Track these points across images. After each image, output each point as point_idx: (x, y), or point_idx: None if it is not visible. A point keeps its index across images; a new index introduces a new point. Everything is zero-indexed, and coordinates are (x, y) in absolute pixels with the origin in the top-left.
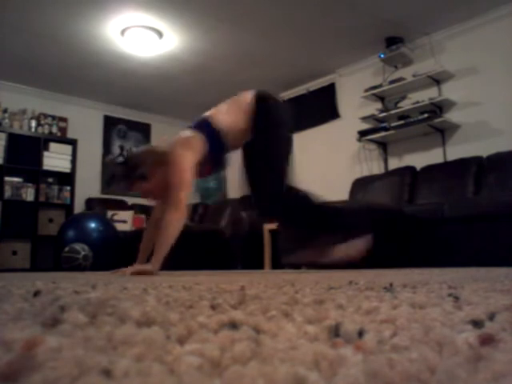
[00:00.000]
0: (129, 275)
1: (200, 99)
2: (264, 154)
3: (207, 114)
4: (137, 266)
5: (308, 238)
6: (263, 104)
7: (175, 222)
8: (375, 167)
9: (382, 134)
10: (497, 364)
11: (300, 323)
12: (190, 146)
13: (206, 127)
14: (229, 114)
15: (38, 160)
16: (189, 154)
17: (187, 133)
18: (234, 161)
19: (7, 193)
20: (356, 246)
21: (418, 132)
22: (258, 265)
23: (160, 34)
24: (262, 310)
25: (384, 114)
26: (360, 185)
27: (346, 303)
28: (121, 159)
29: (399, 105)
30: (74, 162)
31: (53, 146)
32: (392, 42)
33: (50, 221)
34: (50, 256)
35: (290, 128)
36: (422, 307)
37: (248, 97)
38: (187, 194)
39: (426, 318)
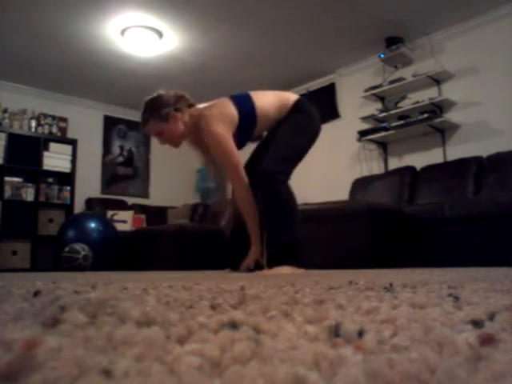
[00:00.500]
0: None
1: (200, 99)
2: (278, 136)
3: (251, 92)
4: (248, 262)
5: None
6: (301, 105)
7: (242, 195)
8: (375, 167)
9: (382, 133)
10: (497, 364)
11: (300, 323)
12: (228, 118)
13: (245, 101)
14: (269, 103)
15: (38, 160)
16: (227, 126)
17: (224, 101)
18: None
19: (7, 193)
20: (281, 271)
21: (418, 132)
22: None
23: (160, 34)
24: (262, 309)
25: (384, 114)
26: (360, 185)
27: (345, 303)
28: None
29: (399, 105)
30: (74, 161)
31: (53, 145)
32: (392, 41)
33: (50, 221)
34: (50, 256)
35: (312, 135)
36: (422, 307)
37: (291, 96)
38: (237, 161)
39: (426, 318)
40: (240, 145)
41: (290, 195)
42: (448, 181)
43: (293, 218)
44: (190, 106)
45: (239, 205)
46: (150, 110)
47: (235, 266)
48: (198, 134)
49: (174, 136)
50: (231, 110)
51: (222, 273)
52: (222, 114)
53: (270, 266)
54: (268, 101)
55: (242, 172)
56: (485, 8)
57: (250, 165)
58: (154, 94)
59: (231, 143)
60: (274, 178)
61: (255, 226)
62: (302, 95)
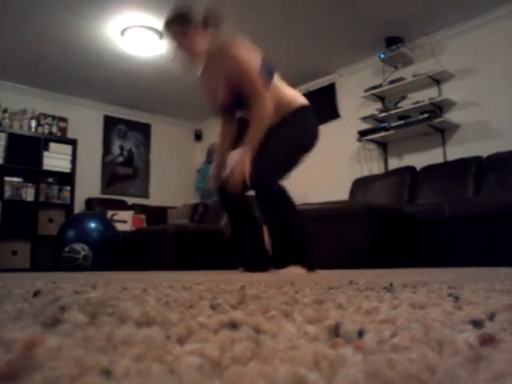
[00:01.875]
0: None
1: (200, 99)
2: (273, 139)
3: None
4: (237, 167)
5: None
6: (306, 112)
7: (262, 112)
8: (375, 167)
9: (382, 133)
10: (497, 364)
11: (300, 323)
12: (254, 53)
13: (268, 68)
14: (284, 87)
15: (38, 160)
16: (253, 56)
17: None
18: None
19: (7, 193)
20: (300, 270)
21: (418, 132)
22: None
23: (160, 34)
24: (262, 310)
25: (384, 114)
26: (360, 185)
27: (345, 303)
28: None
29: (399, 105)
30: (74, 162)
31: (53, 146)
32: (392, 41)
33: (50, 221)
34: (50, 256)
35: (307, 144)
36: (422, 307)
37: (301, 99)
38: (259, 79)
39: (426, 318)
40: (237, 100)
41: (288, 199)
42: (448, 181)
43: (297, 219)
44: (218, 26)
45: (258, 118)
46: (178, 12)
47: (248, 266)
48: (214, 64)
49: (192, 48)
50: (257, 55)
51: (234, 273)
52: (246, 44)
53: (281, 266)
54: (284, 86)
55: (260, 80)
56: (485, 8)
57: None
58: (188, 3)
59: (254, 67)
60: (269, 184)
61: (258, 139)
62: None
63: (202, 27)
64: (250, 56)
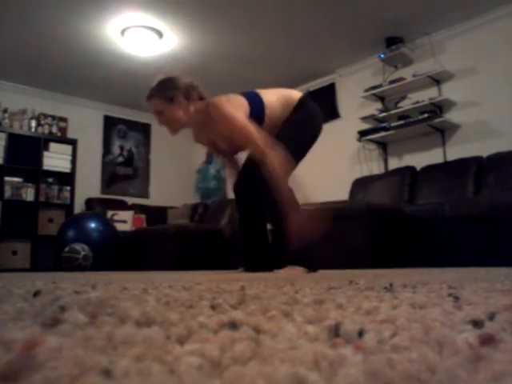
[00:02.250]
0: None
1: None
2: (280, 136)
3: (258, 90)
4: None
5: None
6: (304, 104)
7: (273, 163)
8: (375, 167)
9: (382, 133)
10: (497, 364)
11: (300, 323)
12: (239, 106)
13: (253, 96)
14: (275, 99)
15: (38, 160)
16: (239, 110)
17: (234, 95)
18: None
19: (7, 193)
20: (298, 271)
21: (418, 132)
22: None
23: (160, 34)
24: (262, 310)
25: (384, 114)
26: (360, 185)
27: (345, 303)
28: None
29: (399, 105)
30: (74, 162)
31: (53, 146)
32: (392, 42)
33: (50, 221)
34: (50, 256)
35: (313, 133)
36: (422, 307)
37: (295, 94)
38: (257, 133)
39: (426, 318)
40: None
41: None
42: (448, 181)
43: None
44: (201, 99)
45: (274, 175)
46: (159, 86)
47: (249, 266)
48: (207, 126)
49: (173, 121)
50: (240, 98)
51: (234, 273)
52: (230, 100)
53: (282, 265)
54: (274, 98)
55: (266, 143)
56: (485, 8)
57: (249, 169)
58: (170, 75)
59: (245, 119)
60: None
61: (288, 194)
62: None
63: (182, 99)
64: (239, 111)
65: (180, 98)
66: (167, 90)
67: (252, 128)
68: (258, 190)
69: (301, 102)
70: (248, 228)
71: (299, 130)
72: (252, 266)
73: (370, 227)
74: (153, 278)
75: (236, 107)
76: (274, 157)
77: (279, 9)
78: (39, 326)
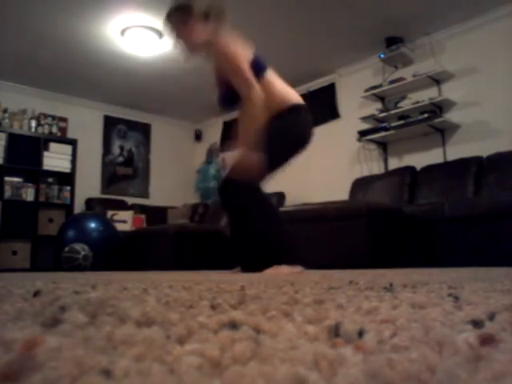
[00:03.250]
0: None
1: (200, 99)
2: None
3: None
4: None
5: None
6: (295, 110)
7: (252, 106)
8: (375, 167)
9: (382, 133)
10: (497, 364)
11: (300, 323)
12: (243, 49)
13: (261, 61)
14: (278, 83)
15: (38, 160)
16: (241, 50)
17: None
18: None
19: (7, 193)
20: (284, 270)
21: (418, 132)
22: None
23: (160, 34)
24: (262, 310)
25: (384, 114)
26: (360, 185)
27: (345, 303)
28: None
29: (399, 105)
30: (74, 161)
31: (53, 146)
32: (392, 41)
33: (50, 221)
34: (50, 256)
35: (299, 144)
36: (422, 307)
37: (295, 97)
38: (249, 85)
39: (426, 318)
40: (230, 94)
41: (263, 200)
42: (448, 181)
43: (272, 220)
44: (221, 23)
45: (248, 112)
46: (182, 4)
47: (245, 266)
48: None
49: (190, 40)
50: (246, 51)
51: (230, 272)
52: (237, 41)
53: (265, 266)
54: (278, 82)
55: (255, 84)
56: (485, 8)
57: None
58: None
59: (242, 56)
60: (244, 187)
61: (251, 134)
62: (301, 95)
63: (203, 19)
64: (238, 48)
65: (200, 16)
66: (188, 5)
67: (243, 61)
68: (237, 196)
69: (294, 109)
70: (238, 229)
71: (279, 138)
72: (247, 266)
73: (370, 227)
74: (153, 278)
75: (238, 47)
76: (255, 100)
77: (279, 9)
78: (39, 326)
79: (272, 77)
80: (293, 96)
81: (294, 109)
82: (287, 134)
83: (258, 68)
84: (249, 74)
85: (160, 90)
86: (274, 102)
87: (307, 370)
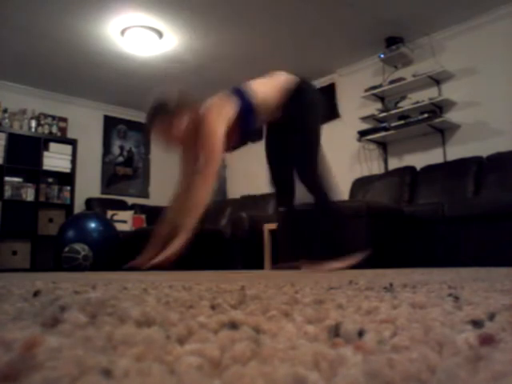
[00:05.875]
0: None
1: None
2: (302, 129)
3: (245, 83)
4: (161, 257)
5: (306, 248)
6: (301, 89)
7: (203, 189)
8: (375, 167)
9: (382, 133)
10: (497, 364)
11: (300, 323)
12: (224, 112)
13: (241, 94)
14: (265, 88)
15: (38, 160)
16: (222, 121)
17: (222, 96)
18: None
19: (7, 193)
20: (353, 259)
21: (418, 132)
22: (258, 265)
23: (160, 34)
24: (262, 309)
25: (384, 114)
26: (360, 185)
27: (345, 303)
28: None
29: (399, 105)
30: (74, 162)
31: (53, 146)
32: (392, 41)
33: (50, 221)
34: (50, 256)
35: (321, 117)
36: (422, 307)
37: (288, 78)
38: (217, 163)
39: (426, 318)
40: (245, 133)
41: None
42: (448, 181)
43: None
44: (192, 104)
45: (196, 190)
46: (157, 107)
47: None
48: (195, 132)
49: (179, 133)
50: (230, 104)
51: (237, 272)
52: (220, 108)
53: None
54: (265, 87)
55: (217, 164)
56: (485, 8)
57: (299, 167)
58: (159, 93)
59: (222, 134)
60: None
61: (194, 219)
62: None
63: (180, 111)
64: (221, 124)
65: (179, 108)
66: (166, 105)
67: (220, 147)
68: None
69: (301, 87)
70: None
71: (313, 121)
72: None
73: (370, 227)
74: (153, 278)
75: (223, 117)
76: (202, 188)
77: (279, 9)
78: (39, 326)
79: (260, 89)
80: (288, 79)
81: (296, 91)
82: (315, 108)
83: (246, 110)
84: (219, 154)
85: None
86: (279, 98)
87: (307, 370)
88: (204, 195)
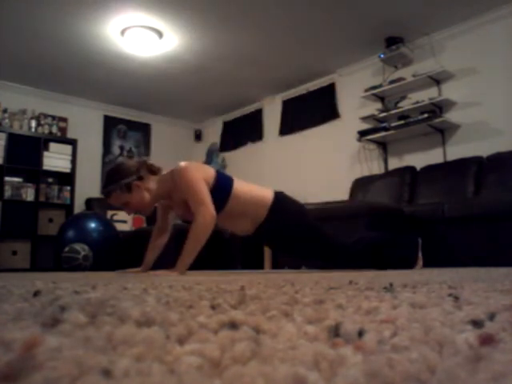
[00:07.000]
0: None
1: (200, 99)
2: (290, 229)
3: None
4: (160, 272)
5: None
6: (281, 202)
7: (202, 229)
8: (375, 167)
9: (382, 133)
10: (497, 364)
11: (300, 323)
12: (202, 169)
13: (225, 177)
14: (247, 189)
15: (38, 160)
16: (200, 175)
17: (202, 164)
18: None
19: (7, 193)
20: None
21: (418, 132)
22: (258, 265)
23: (160, 34)
24: (262, 309)
25: (384, 114)
26: (360, 185)
27: (345, 303)
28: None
29: (399, 105)
30: (74, 162)
31: (53, 146)
32: (392, 41)
33: (50, 221)
34: (50, 256)
35: (305, 214)
36: (422, 307)
37: (268, 193)
38: (209, 204)
39: (426, 318)
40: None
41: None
42: (448, 181)
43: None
44: (153, 172)
45: (197, 236)
46: (111, 182)
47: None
48: (173, 194)
49: (141, 205)
50: (207, 168)
51: (237, 272)
52: (197, 166)
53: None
54: (247, 188)
55: (212, 211)
56: (485, 8)
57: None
58: (114, 165)
59: (204, 186)
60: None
61: (192, 257)
62: (301, 95)
63: (138, 183)
64: (201, 180)
65: (135, 182)
66: (120, 181)
67: (207, 197)
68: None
69: (278, 199)
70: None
71: (297, 219)
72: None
73: (370, 227)
74: (153, 278)
75: (201, 172)
76: (208, 226)
77: (279, 9)
78: (39, 326)
79: (244, 184)
80: (265, 193)
81: (278, 200)
82: (296, 214)
83: (225, 182)
84: (207, 209)
85: (160, 90)
86: (253, 208)
87: (307, 370)
88: (202, 238)
